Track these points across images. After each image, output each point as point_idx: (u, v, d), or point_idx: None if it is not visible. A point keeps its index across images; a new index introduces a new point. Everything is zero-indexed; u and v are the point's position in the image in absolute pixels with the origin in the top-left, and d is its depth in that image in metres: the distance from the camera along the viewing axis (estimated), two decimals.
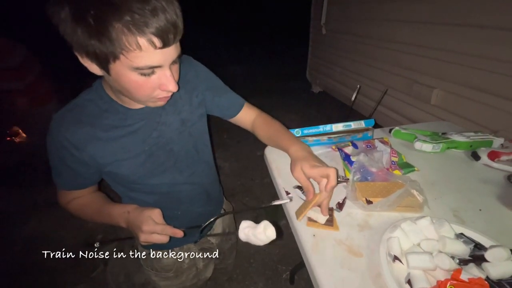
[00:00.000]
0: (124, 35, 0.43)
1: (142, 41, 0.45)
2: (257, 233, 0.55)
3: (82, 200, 0.72)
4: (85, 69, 0.52)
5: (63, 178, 0.68)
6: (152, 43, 0.45)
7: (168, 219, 0.68)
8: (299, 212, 0.68)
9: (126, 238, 0.74)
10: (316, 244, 0.61)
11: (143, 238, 0.60)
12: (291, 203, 0.73)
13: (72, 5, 0.42)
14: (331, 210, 0.68)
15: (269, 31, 9.35)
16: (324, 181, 0.62)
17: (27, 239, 1.88)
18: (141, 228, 0.59)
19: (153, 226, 0.59)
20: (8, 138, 2.76)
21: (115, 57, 0.46)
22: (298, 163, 0.67)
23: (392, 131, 1.04)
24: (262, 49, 7.52)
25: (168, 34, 0.46)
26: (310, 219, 0.66)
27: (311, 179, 0.66)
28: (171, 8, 0.46)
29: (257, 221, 0.57)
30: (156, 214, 0.62)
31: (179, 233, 0.62)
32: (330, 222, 0.65)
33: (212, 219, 0.70)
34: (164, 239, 0.61)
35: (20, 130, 2.37)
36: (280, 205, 0.76)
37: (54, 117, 0.61)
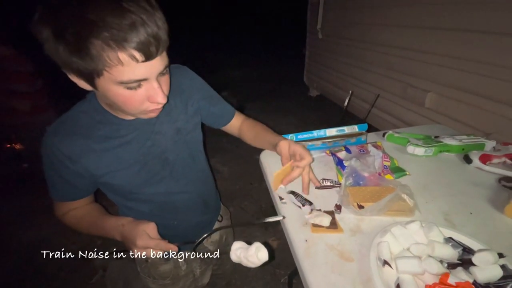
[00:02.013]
0: (104, 52, 0.43)
1: (122, 56, 0.44)
2: (249, 255, 0.53)
3: (78, 212, 0.71)
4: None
5: (58, 190, 0.68)
6: (133, 58, 0.45)
7: (166, 229, 0.69)
8: (276, 182, 0.75)
9: (125, 250, 0.74)
10: (308, 249, 0.61)
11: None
12: (282, 207, 0.74)
13: (52, 24, 0.43)
14: (332, 213, 0.69)
15: (267, 35, 9.41)
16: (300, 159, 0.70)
17: (27, 245, 1.88)
18: (135, 243, 0.58)
19: (147, 241, 0.59)
20: (8, 145, 2.77)
21: (99, 73, 0.46)
22: (286, 141, 0.75)
23: (386, 135, 1.05)
24: (260, 53, 7.56)
25: (149, 47, 0.45)
26: (314, 225, 0.66)
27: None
28: (151, 20, 0.45)
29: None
30: (150, 228, 0.61)
31: (173, 248, 0.62)
32: (334, 225, 0.66)
33: (205, 235, 0.70)
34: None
35: (15, 139, 2.38)
36: (276, 210, 0.77)
37: (48, 129, 0.61)
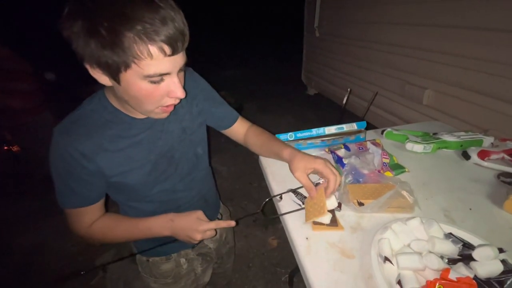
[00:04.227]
0: (136, 44, 0.45)
1: (153, 49, 0.46)
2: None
3: (105, 220, 0.70)
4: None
5: (78, 195, 0.64)
6: (162, 51, 0.47)
7: None
8: (310, 215, 0.66)
9: (123, 257, 0.74)
10: (309, 247, 0.62)
11: (200, 237, 0.66)
12: (284, 206, 0.74)
13: (85, 19, 0.44)
14: (332, 211, 0.69)
15: (264, 34, 9.40)
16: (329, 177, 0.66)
17: (26, 248, 1.87)
18: (197, 229, 0.66)
19: (206, 225, 0.67)
20: (6, 148, 2.75)
21: (127, 66, 0.48)
22: (296, 162, 0.70)
23: (385, 132, 1.05)
24: (257, 52, 7.56)
25: (177, 41, 0.48)
26: (315, 223, 0.67)
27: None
28: (178, 17, 0.48)
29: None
30: (201, 214, 0.69)
31: (232, 223, 0.69)
32: (334, 223, 0.66)
33: (254, 212, 0.76)
34: (213, 233, 0.70)
35: (11, 139, 2.36)
36: (275, 208, 0.77)
37: (57, 129, 0.59)
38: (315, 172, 0.70)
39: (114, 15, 0.43)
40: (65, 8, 0.45)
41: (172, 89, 0.55)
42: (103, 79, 0.52)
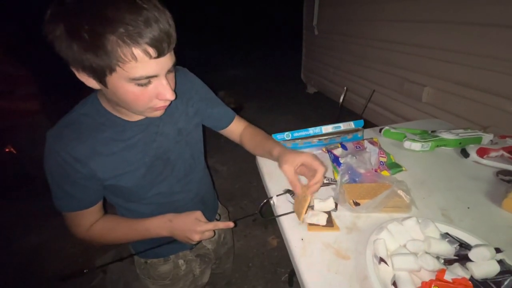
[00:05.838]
0: (119, 47, 0.44)
1: (137, 51, 0.45)
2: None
3: (103, 222, 0.70)
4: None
5: (74, 198, 0.63)
6: (147, 53, 0.46)
7: None
8: (298, 212, 0.67)
9: (122, 258, 0.74)
10: (304, 248, 0.61)
11: (198, 237, 0.66)
12: (280, 206, 0.74)
13: (66, 22, 0.43)
14: (328, 211, 0.68)
15: (263, 34, 9.39)
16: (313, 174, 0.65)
17: (26, 250, 1.88)
18: (196, 230, 0.66)
19: (205, 225, 0.67)
20: (7, 150, 2.76)
21: (112, 70, 0.47)
22: (285, 157, 0.69)
23: (382, 130, 1.05)
24: (257, 52, 7.55)
25: (162, 43, 0.47)
26: (311, 224, 0.66)
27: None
28: (163, 18, 0.47)
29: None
30: (200, 215, 0.69)
31: (230, 224, 0.69)
32: (330, 223, 0.65)
33: (252, 213, 0.76)
34: (212, 234, 0.69)
35: (12, 141, 2.37)
36: (272, 208, 0.77)
37: (50, 134, 0.59)
38: (304, 165, 0.68)
39: (96, 18, 0.42)
40: (47, 12, 0.44)
41: (161, 91, 0.54)
42: (90, 82, 0.52)
